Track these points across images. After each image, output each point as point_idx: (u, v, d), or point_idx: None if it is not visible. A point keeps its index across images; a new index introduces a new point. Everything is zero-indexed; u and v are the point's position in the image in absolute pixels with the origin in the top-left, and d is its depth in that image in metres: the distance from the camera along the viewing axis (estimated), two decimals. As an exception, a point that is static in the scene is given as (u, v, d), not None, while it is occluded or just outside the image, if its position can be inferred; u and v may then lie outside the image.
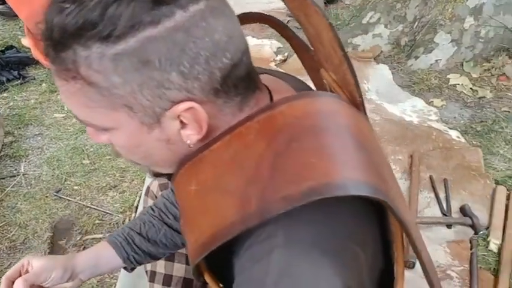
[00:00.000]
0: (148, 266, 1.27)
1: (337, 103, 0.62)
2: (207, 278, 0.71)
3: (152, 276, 1.27)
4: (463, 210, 1.83)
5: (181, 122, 0.58)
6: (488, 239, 1.72)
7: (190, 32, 0.53)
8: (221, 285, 0.72)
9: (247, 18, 0.81)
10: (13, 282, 0.88)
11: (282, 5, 3.32)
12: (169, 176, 0.83)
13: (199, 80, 0.56)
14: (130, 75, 0.54)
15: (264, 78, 0.72)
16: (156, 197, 1.36)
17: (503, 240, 1.71)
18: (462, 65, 2.98)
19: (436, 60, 3.01)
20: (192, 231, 0.64)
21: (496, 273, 1.60)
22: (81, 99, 0.57)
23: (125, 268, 1.09)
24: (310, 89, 0.78)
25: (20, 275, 0.91)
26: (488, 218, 1.81)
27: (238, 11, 0.67)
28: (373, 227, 0.66)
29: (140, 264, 1.09)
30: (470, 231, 1.76)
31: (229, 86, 0.59)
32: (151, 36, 0.52)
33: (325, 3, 3.99)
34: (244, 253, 0.61)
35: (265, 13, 0.84)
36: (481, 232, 1.74)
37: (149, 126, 0.59)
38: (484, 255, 1.67)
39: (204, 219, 0.60)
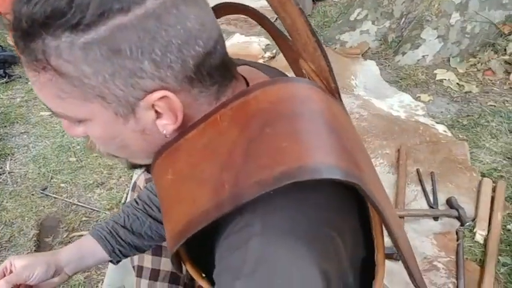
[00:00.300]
0: (136, 261, 1.26)
1: (311, 89, 0.61)
2: (189, 268, 0.71)
3: (139, 271, 1.26)
4: (450, 203, 1.84)
5: (156, 111, 0.58)
6: (474, 231, 1.73)
7: (161, 19, 0.53)
8: (203, 275, 0.71)
9: (225, 8, 0.80)
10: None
11: None
12: (147, 168, 0.83)
13: (172, 68, 0.55)
14: (101, 64, 0.53)
15: (243, 69, 0.72)
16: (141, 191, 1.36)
17: (489, 231, 1.72)
18: (449, 61, 3.00)
19: (423, 56, 3.02)
20: (169, 220, 0.63)
21: (482, 263, 1.61)
22: (53, 90, 0.56)
23: (110, 261, 1.08)
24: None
25: (3, 276, 0.90)
26: (474, 210, 1.82)
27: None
28: (352, 216, 0.66)
29: (126, 256, 1.08)
30: (457, 223, 1.77)
31: (204, 75, 0.58)
32: (122, 24, 0.51)
33: (313, 0, 4.01)
34: (222, 242, 0.60)
35: (243, 4, 0.83)
36: (467, 224, 1.76)
37: (124, 117, 0.58)
38: (470, 246, 1.68)
39: (179, 208, 0.60)
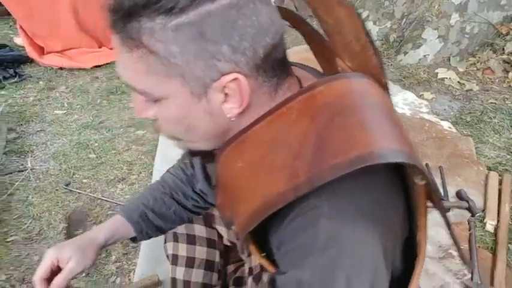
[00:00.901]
0: (170, 250, 1.32)
1: (368, 83, 0.69)
2: (252, 248, 0.78)
3: (174, 259, 1.32)
4: (459, 195, 1.93)
5: (226, 94, 0.65)
6: (484, 221, 1.82)
7: (241, 10, 0.60)
8: (263, 254, 0.77)
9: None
10: (49, 281, 0.92)
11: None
12: (203, 157, 0.89)
13: (245, 54, 0.62)
14: (187, 45, 0.60)
15: (292, 68, 0.79)
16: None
17: (498, 221, 1.81)
18: (449, 60, 3.11)
19: (424, 55, 3.12)
20: (241, 203, 0.70)
21: (493, 251, 1.70)
22: (141, 67, 0.63)
23: (132, 239, 1.12)
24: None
25: (52, 272, 0.93)
26: (483, 201, 1.92)
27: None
28: (400, 196, 0.73)
29: (149, 238, 1.13)
30: (467, 214, 1.86)
31: (268, 66, 0.66)
32: (209, 11, 0.59)
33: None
34: (288, 225, 0.67)
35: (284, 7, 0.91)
36: (478, 214, 1.85)
37: (198, 97, 0.65)
38: (482, 235, 1.77)
39: (253, 192, 0.66)
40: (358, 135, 0.60)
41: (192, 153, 0.84)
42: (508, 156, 2.21)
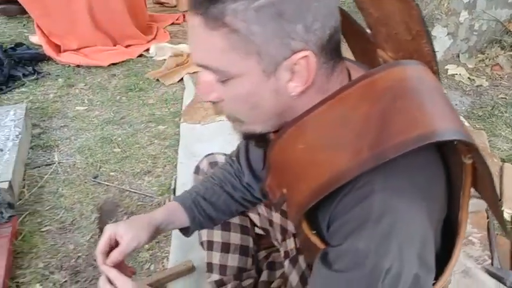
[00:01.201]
0: (205, 237, 1.39)
1: (423, 69, 0.74)
2: (304, 225, 0.82)
3: (210, 245, 1.39)
4: (476, 185, 1.99)
5: (292, 72, 0.70)
6: (501, 210, 1.89)
7: None
8: (313, 231, 0.82)
9: None
10: (107, 254, 0.98)
11: None
12: (256, 141, 0.95)
13: (316, 34, 0.68)
14: (267, 24, 0.66)
15: None
16: (205, 174, 1.49)
17: (514, 210, 1.88)
18: (458, 56, 3.18)
19: (434, 52, 3.19)
20: (301, 182, 0.75)
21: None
22: (222, 46, 0.68)
23: (182, 230, 1.19)
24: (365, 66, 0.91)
25: (110, 247, 1.00)
26: (499, 191, 1.98)
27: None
28: (443, 175, 0.78)
29: (201, 227, 1.21)
30: (485, 204, 1.92)
31: (331, 48, 0.72)
32: None
33: None
34: (341, 200, 0.72)
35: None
36: (495, 203, 1.91)
37: (268, 75, 0.71)
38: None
39: (317, 170, 0.72)
40: (419, 116, 0.65)
41: (246, 137, 0.89)
42: (521, 149, 2.28)
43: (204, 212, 1.17)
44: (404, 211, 0.68)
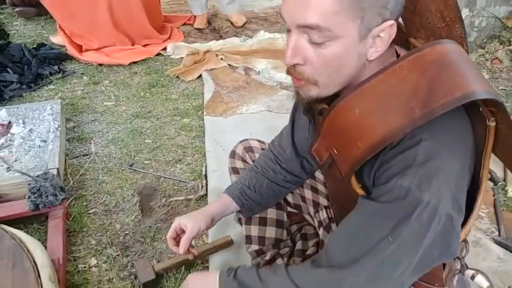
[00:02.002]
0: (244, 232, 1.58)
1: (458, 47, 0.88)
2: (353, 181, 0.95)
3: (248, 220, 1.57)
4: (482, 167, 2.18)
5: (376, 38, 0.86)
6: (506, 188, 2.08)
7: None
8: (360, 185, 0.96)
9: None
10: (176, 240, 1.31)
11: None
12: (310, 108, 1.09)
13: (398, 8, 0.85)
14: None
15: None
16: (241, 158, 1.67)
17: (517, 189, 2.07)
18: (460, 52, 3.36)
19: (437, 48, 3.37)
20: (358, 141, 0.87)
21: (516, 213, 1.96)
22: (335, 9, 0.80)
23: (239, 212, 1.45)
24: None
25: (177, 234, 1.31)
26: (502, 173, 2.17)
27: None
28: (472, 136, 0.93)
29: (252, 211, 1.44)
30: (490, 183, 2.11)
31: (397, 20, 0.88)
32: None
33: None
34: (389, 151, 0.87)
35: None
36: (500, 183, 2.10)
37: (360, 39, 0.85)
38: (505, 200, 2.03)
39: (372, 130, 0.84)
40: (460, 80, 0.79)
41: (305, 104, 1.01)
42: (522, 135, 2.46)
43: (250, 199, 1.39)
44: (445, 157, 0.84)
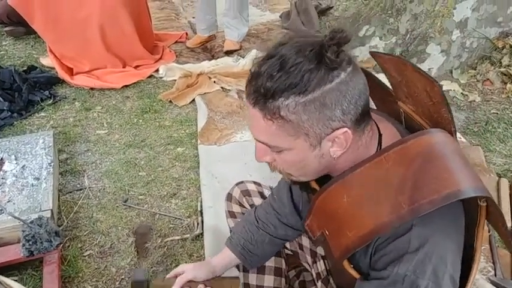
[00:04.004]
0: (242, 279, 1.57)
1: (445, 136, 0.91)
2: (345, 263, 1.00)
3: (245, 267, 1.57)
4: (476, 200, 2.19)
5: (333, 141, 0.89)
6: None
7: (348, 84, 0.85)
8: (352, 265, 1.01)
9: None
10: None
11: (275, 17, 3.82)
12: (301, 186, 1.14)
13: (351, 114, 0.87)
14: (313, 114, 0.84)
15: None
16: (238, 202, 1.67)
17: (512, 223, 2.08)
18: (451, 72, 3.38)
19: (429, 69, 3.39)
20: (348, 230, 0.92)
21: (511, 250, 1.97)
22: (277, 131, 0.87)
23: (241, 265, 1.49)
24: (388, 115, 1.09)
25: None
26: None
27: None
28: (463, 213, 0.96)
29: (254, 264, 1.47)
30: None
31: (362, 117, 0.90)
32: (329, 89, 0.83)
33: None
34: (380, 238, 0.91)
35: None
36: (494, 217, 2.11)
37: (313, 147, 0.90)
38: (498, 236, 2.03)
39: (362, 220, 0.89)
40: (447, 177, 0.82)
41: (293, 183, 1.09)
42: (515, 164, 2.49)
43: (252, 253, 1.42)
44: (438, 240, 0.86)
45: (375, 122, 1.00)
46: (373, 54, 1.15)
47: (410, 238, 0.86)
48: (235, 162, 2.50)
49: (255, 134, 0.94)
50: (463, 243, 0.96)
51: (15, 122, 2.86)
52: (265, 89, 0.84)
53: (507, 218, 2.11)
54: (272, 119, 0.86)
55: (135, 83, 3.38)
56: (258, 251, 1.42)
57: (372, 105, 1.11)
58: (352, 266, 1.01)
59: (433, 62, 3.39)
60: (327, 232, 1.00)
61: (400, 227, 0.87)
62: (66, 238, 2.01)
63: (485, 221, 0.93)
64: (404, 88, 1.07)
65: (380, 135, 0.98)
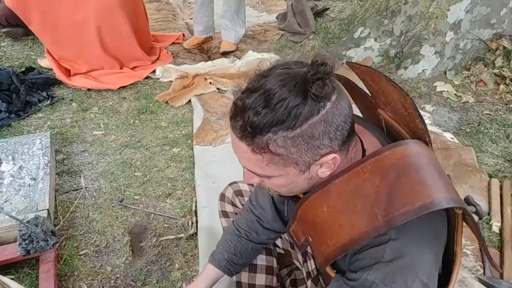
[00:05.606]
0: (234, 278, 1.60)
1: (420, 146, 0.92)
2: (328, 268, 1.04)
3: (239, 286, 1.61)
4: (467, 201, 2.17)
5: (322, 165, 0.92)
6: (490, 223, 2.12)
7: (334, 113, 0.86)
8: (334, 271, 1.05)
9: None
10: None
11: (271, 18, 3.86)
12: (291, 198, 1.17)
13: (337, 139, 0.89)
14: (301, 145, 0.86)
15: None
16: (231, 202, 1.71)
17: (502, 222, 2.11)
18: (445, 74, 3.41)
19: (423, 70, 3.42)
20: (328, 238, 0.95)
21: (500, 249, 2.00)
22: (266, 164, 0.90)
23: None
24: (369, 122, 1.12)
25: None
26: (487, 205, 2.21)
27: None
28: (444, 222, 0.99)
29: (237, 272, 1.53)
30: (475, 217, 2.15)
31: (347, 137, 0.92)
32: (315, 121, 0.84)
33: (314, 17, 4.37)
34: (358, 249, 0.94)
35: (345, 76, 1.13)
36: (484, 217, 2.14)
37: (303, 172, 0.93)
38: (489, 235, 2.07)
39: (340, 230, 0.92)
40: (419, 189, 0.85)
41: (281, 196, 1.12)
42: (506, 164, 2.51)
43: (237, 265, 1.47)
44: (414, 255, 0.89)
45: (359, 137, 1.02)
46: (350, 64, 1.17)
47: (385, 250, 0.89)
48: (230, 163, 2.52)
49: (243, 163, 0.96)
50: (447, 246, 0.99)
51: (12, 123, 2.89)
52: (252, 125, 0.84)
53: (498, 217, 2.14)
54: (261, 153, 0.88)
55: (132, 84, 3.41)
56: (242, 261, 1.48)
57: (356, 111, 1.14)
58: (335, 271, 1.05)
59: (427, 63, 3.42)
60: (310, 238, 1.04)
61: (379, 237, 0.89)
62: (63, 237, 2.03)
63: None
64: (382, 97, 1.09)
65: (364, 150, 1.01)
